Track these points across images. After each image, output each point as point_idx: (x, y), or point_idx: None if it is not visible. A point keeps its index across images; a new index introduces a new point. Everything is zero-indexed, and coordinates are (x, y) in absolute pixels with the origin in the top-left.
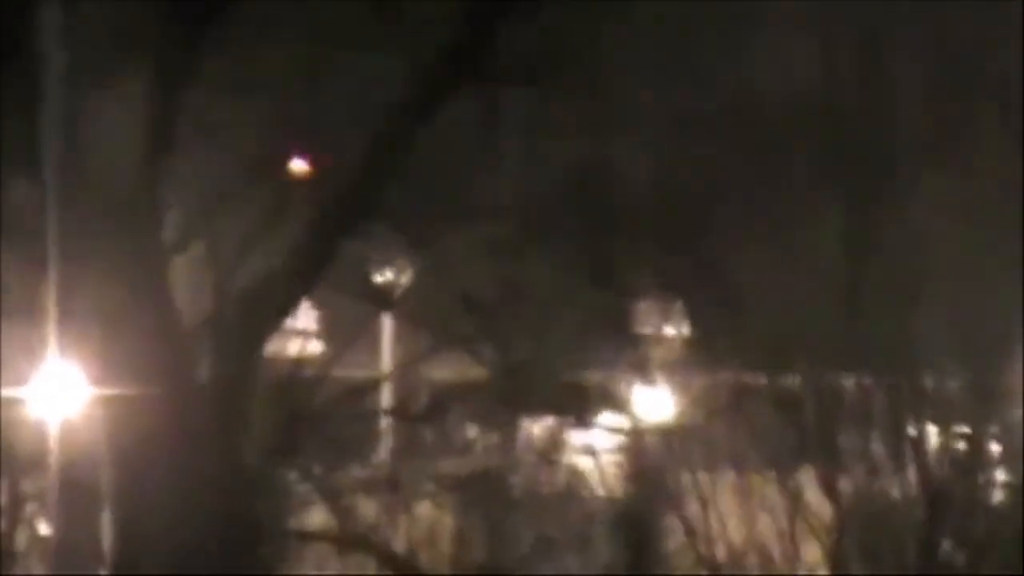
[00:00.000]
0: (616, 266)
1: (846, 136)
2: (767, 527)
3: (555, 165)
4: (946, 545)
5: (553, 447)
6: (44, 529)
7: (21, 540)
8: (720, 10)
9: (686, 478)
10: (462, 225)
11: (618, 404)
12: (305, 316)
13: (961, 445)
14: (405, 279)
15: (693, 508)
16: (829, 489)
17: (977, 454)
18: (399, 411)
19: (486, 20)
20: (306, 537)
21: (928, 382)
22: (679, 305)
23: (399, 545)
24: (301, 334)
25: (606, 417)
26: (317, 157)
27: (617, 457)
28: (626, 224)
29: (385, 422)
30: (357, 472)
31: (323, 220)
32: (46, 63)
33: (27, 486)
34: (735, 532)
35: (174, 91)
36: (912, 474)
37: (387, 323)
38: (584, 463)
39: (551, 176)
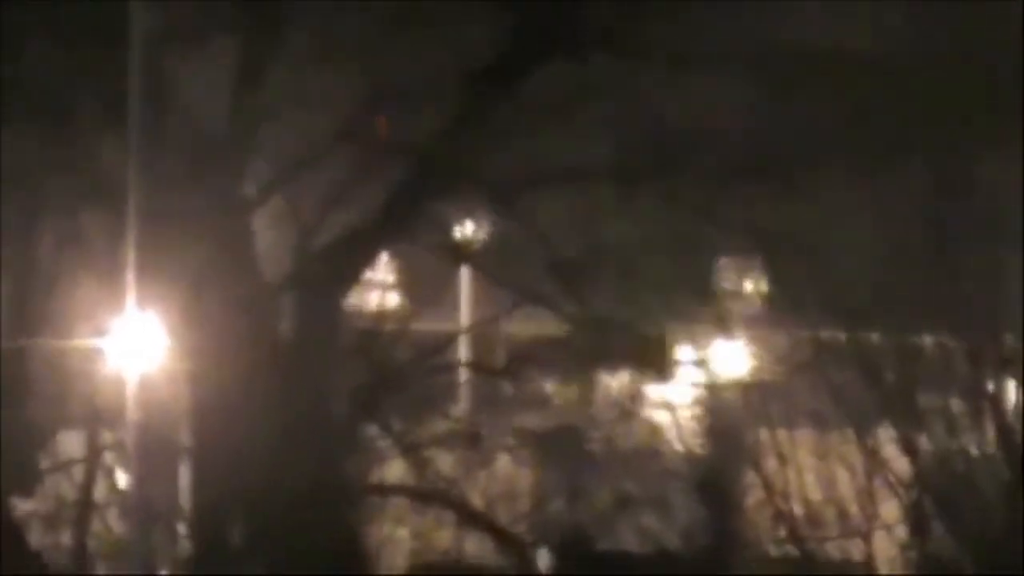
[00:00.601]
0: (698, 222)
1: (931, 90)
2: (846, 485)
3: (639, 125)
4: None
5: (632, 402)
6: (123, 481)
7: (100, 492)
8: None
9: (764, 435)
10: (544, 183)
11: (697, 360)
12: (385, 269)
13: None
14: (485, 234)
15: (771, 465)
16: (908, 448)
17: None
18: (478, 366)
19: None
20: (386, 491)
21: (1008, 341)
22: (759, 261)
23: (477, 500)
24: (381, 287)
25: (685, 373)
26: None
27: (696, 413)
28: (710, 181)
29: (464, 377)
30: (436, 427)
31: (406, 180)
32: (135, 23)
33: (106, 438)
34: (813, 490)
35: (262, 52)
36: (991, 433)
37: (466, 278)
38: (663, 419)
39: (635, 135)
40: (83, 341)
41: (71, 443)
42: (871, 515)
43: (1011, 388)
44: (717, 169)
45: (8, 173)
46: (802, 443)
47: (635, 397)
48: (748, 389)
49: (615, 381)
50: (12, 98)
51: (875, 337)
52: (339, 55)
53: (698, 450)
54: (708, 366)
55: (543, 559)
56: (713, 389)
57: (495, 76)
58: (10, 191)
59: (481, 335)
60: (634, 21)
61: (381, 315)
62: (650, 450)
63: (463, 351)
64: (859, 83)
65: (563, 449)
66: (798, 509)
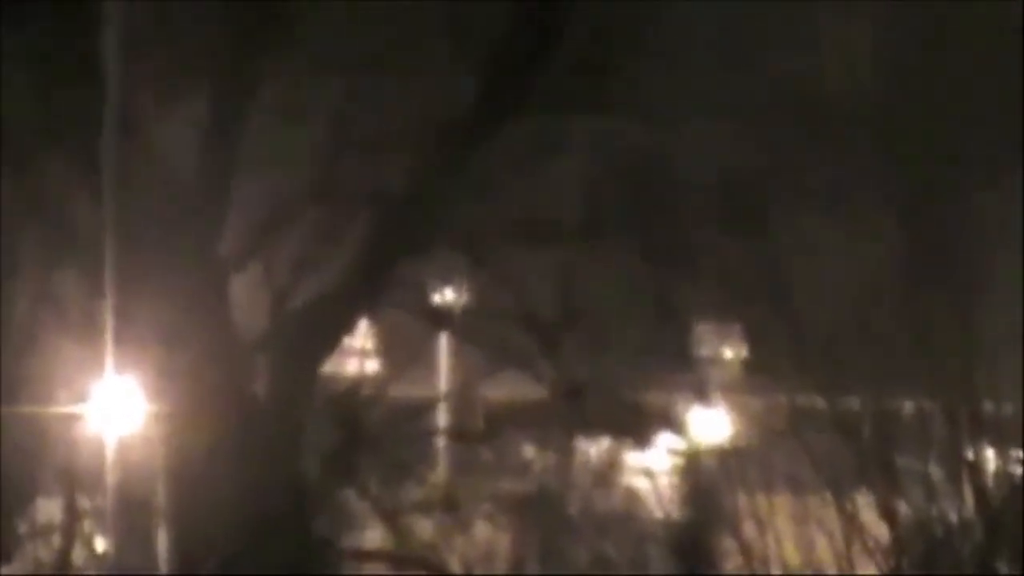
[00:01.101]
0: (675, 287)
1: (906, 141)
2: (824, 550)
3: (613, 182)
4: (1004, 570)
5: (610, 468)
6: (101, 546)
7: (79, 557)
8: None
9: (743, 500)
10: (521, 245)
11: (676, 425)
12: (362, 334)
13: (1019, 470)
14: (463, 298)
15: (750, 530)
16: (887, 512)
17: None
18: (456, 431)
19: (543, 45)
20: (363, 556)
21: (986, 407)
22: (738, 327)
23: (456, 565)
24: (359, 352)
25: (664, 438)
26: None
27: (674, 478)
28: (686, 243)
29: (442, 441)
30: (414, 491)
31: (381, 240)
32: (109, 77)
33: (84, 503)
34: (792, 554)
35: (235, 111)
36: (970, 498)
37: (445, 342)
38: (641, 484)
39: (610, 193)
40: (60, 406)
41: (49, 508)
42: None
43: (989, 452)
44: (692, 219)
45: None
46: (780, 508)
47: (613, 462)
48: (726, 454)
49: (593, 446)
50: None
51: (853, 401)
52: (309, 109)
53: (676, 515)
54: (686, 432)
55: None
56: (691, 454)
57: (466, 131)
58: None
59: (460, 400)
60: (603, 75)
61: (359, 380)
62: (628, 515)
63: (441, 416)
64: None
65: (541, 513)
66: (776, 573)
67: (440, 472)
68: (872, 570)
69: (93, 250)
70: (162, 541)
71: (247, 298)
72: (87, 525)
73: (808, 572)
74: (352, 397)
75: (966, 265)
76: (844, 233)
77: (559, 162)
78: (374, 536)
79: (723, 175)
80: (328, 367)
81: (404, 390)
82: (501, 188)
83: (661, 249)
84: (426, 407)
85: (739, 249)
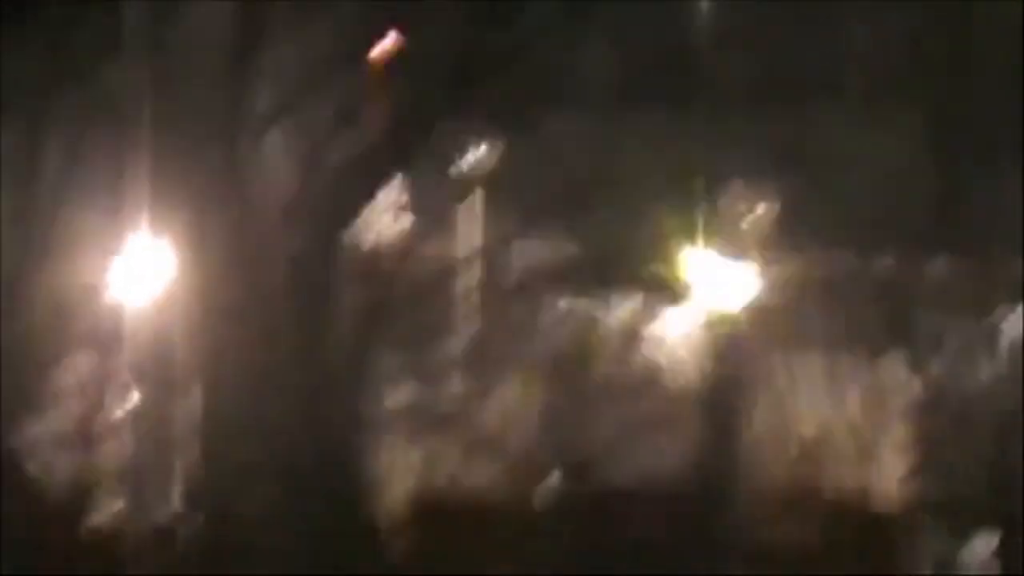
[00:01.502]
0: (709, 143)
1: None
2: (856, 408)
3: (648, 46)
4: None
5: (642, 326)
6: (132, 404)
7: (110, 415)
8: None
9: (774, 358)
10: (554, 103)
11: (708, 284)
12: (396, 192)
13: None
14: (496, 158)
15: (781, 389)
16: (918, 371)
17: None
18: (488, 289)
19: None
20: (393, 416)
21: (1018, 263)
22: (770, 184)
23: (485, 425)
24: (392, 210)
25: (695, 297)
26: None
27: (706, 337)
28: (718, 103)
29: (474, 300)
30: (444, 351)
31: (416, 99)
32: None
33: (116, 361)
34: (823, 413)
35: None
36: (1002, 355)
37: (478, 200)
38: (673, 343)
39: (644, 57)
40: (93, 264)
41: (81, 366)
42: (880, 439)
43: (1020, 310)
44: (728, 90)
45: (10, 89)
46: (812, 366)
47: (644, 321)
48: (758, 312)
49: (625, 304)
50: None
51: (885, 259)
52: None
53: (707, 374)
54: (718, 290)
55: (551, 484)
56: (722, 313)
57: None
58: (13, 108)
59: (491, 258)
60: None
61: (391, 239)
62: (659, 373)
63: (473, 274)
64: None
65: (573, 373)
66: (808, 432)
67: (471, 331)
68: (904, 428)
69: (125, 111)
70: (193, 398)
71: (279, 159)
72: (119, 381)
73: (837, 429)
74: (384, 257)
75: (999, 125)
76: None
77: (595, 23)
78: (406, 395)
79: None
80: (360, 226)
81: (436, 248)
82: (536, 50)
83: (695, 115)
84: (458, 265)
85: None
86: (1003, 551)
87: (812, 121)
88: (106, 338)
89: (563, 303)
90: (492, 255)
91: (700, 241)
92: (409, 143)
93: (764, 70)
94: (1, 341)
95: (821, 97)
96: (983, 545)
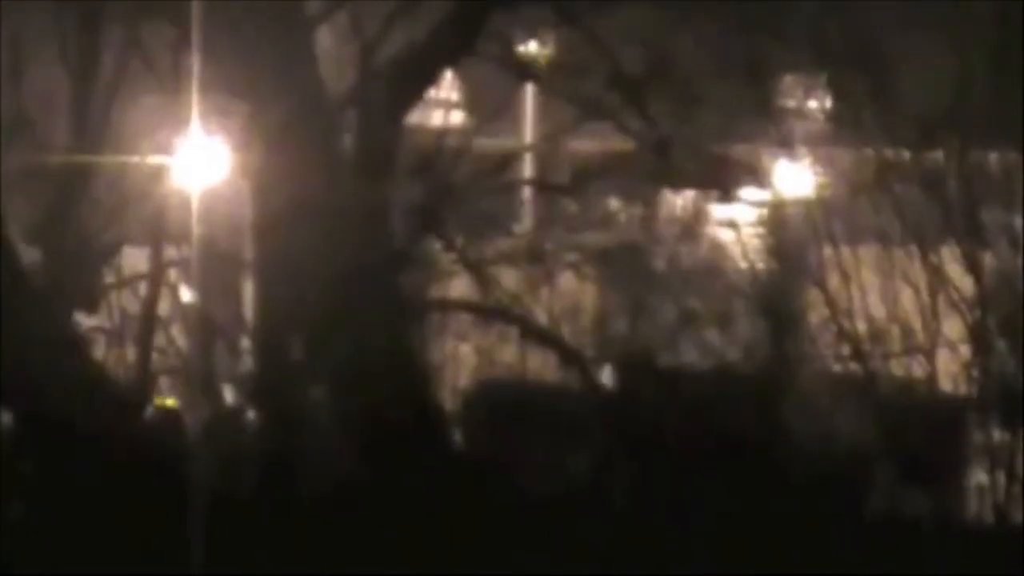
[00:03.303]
0: (763, 40)
1: None
2: (909, 303)
3: None
4: None
5: (696, 221)
6: (187, 297)
7: (164, 307)
8: None
9: (828, 253)
10: (608, 2)
11: (761, 178)
12: (448, 86)
13: None
14: (549, 51)
15: (835, 283)
16: (972, 265)
17: None
18: (541, 183)
19: None
20: (449, 307)
21: None
22: (824, 78)
23: (541, 316)
24: (444, 104)
25: (749, 191)
26: None
27: (760, 231)
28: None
29: (528, 193)
30: (499, 243)
31: None
32: None
33: (170, 253)
34: (877, 307)
35: None
36: None
37: (531, 94)
38: (727, 237)
39: None
40: (146, 157)
41: (135, 259)
42: (934, 333)
43: None
44: None
45: None
46: (865, 261)
47: (699, 215)
48: (811, 206)
49: (679, 199)
50: None
51: (939, 154)
52: None
53: (761, 268)
54: (772, 184)
55: (606, 374)
56: (776, 207)
57: None
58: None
59: (544, 152)
60: None
61: (444, 132)
62: (713, 268)
63: (526, 168)
64: None
65: (626, 266)
66: (861, 327)
67: (526, 224)
68: (958, 323)
69: (181, 2)
70: (248, 293)
71: (334, 51)
72: (173, 276)
73: (893, 324)
74: (438, 150)
75: None
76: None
77: None
78: (460, 287)
79: None
80: (414, 119)
81: (490, 142)
82: None
83: (747, 9)
84: (512, 159)
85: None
86: None
87: (866, 18)
88: (162, 230)
89: (617, 197)
90: (544, 150)
91: (753, 134)
92: (462, 38)
93: None
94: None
95: None
96: None
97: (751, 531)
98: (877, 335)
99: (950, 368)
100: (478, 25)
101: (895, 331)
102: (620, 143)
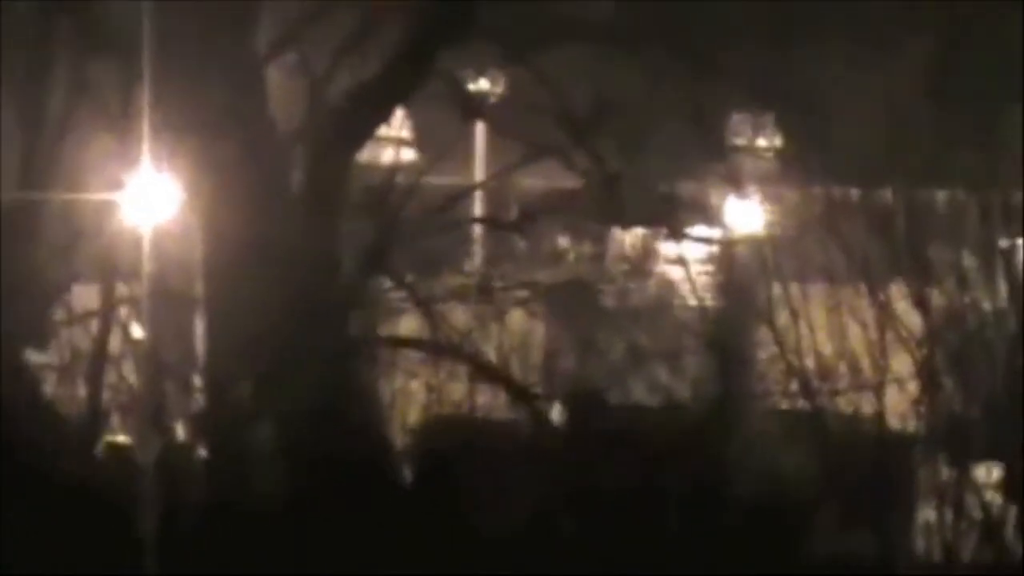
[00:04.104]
0: (710, 77)
1: None
2: (857, 340)
3: None
4: None
5: (645, 258)
6: (137, 334)
7: (114, 344)
8: None
9: (776, 290)
10: (556, 40)
11: (710, 215)
12: (398, 124)
13: None
14: (499, 88)
15: (783, 320)
16: (920, 302)
17: None
18: (491, 220)
19: None
20: (398, 344)
21: (1019, 194)
22: (771, 116)
23: (490, 353)
24: (395, 142)
25: (698, 228)
26: None
27: (708, 268)
28: (720, 35)
29: (477, 231)
30: (449, 280)
31: (419, 30)
32: None
33: (121, 291)
34: (825, 344)
35: None
36: (1003, 288)
37: (480, 132)
38: (675, 274)
39: None
40: (96, 195)
41: (86, 296)
42: (882, 370)
43: (1021, 242)
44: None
45: (15, 17)
46: (814, 298)
47: (647, 253)
48: (760, 244)
49: (628, 237)
50: None
51: (887, 192)
52: None
53: (710, 305)
54: (720, 222)
55: (555, 412)
56: (726, 245)
57: None
58: (18, 35)
59: (494, 189)
60: None
61: (394, 170)
62: (662, 305)
63: (476, 205)
64: None
65: (576, 304)
66: (809, 363)
67: (475, 261)
68: (905, 360)
69: (130, 40)
70: (197, 330)
71: (284, 88)
72: (123, 313)
73: (841, 361)
74: (388, 187)
75: (1001, 61)
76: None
77: None
78: (410, 324)
79: None
80: (364, 156)
81: (439, 180)
82: None
83: (695, 49)
84: (461, 196)
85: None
86: (1006, 480)
87: (814, 56)
88: (112, 267)
89: (566, 235)
90: (494, 187)
91: (701, 172)
92: (411, 75)
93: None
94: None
95: (823, 32)
96: (984, 475)
97: (699, 569)
98: (825, 372)
99: (898, 405)
100: (427, 62)
101: (843, 368)
102: (569, 181)
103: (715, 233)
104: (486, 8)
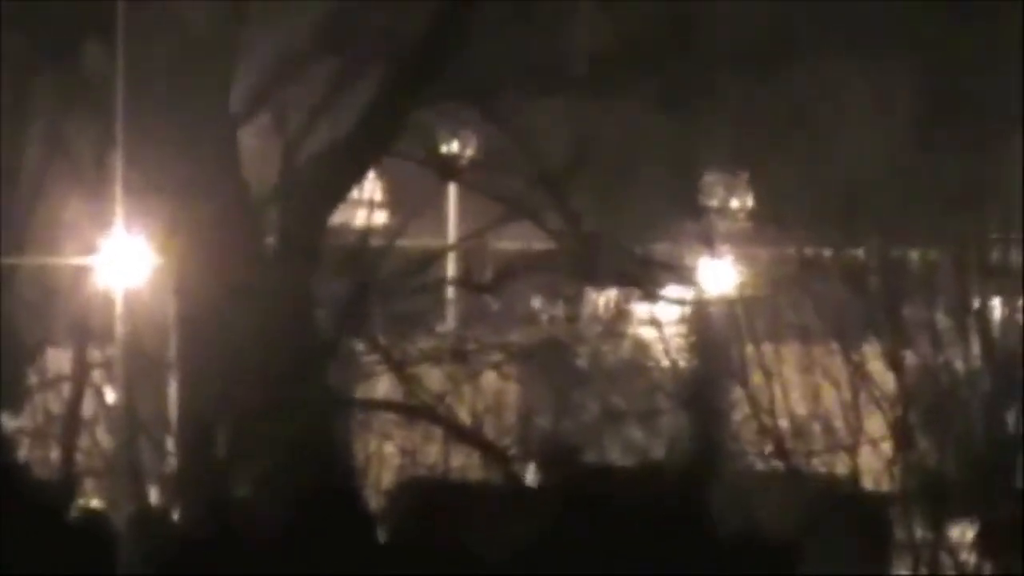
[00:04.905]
0: (684, 134)
1: None
2: (831, 399)
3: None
4: (1010, 417)
5: (619, 318)
6: (110, 397)
7: (88, 407)
8: None
9: (750, 350)
10: (529, 95)
11: (684, 276)
12: (371, 186)
13: None
14: (471, 149)
15: (757, 380)
16: (894, 361)
17: None
18: (465, 281)
19: None
20: (372, 406)
21: (993, 254)
22: (744, 178)
23: (464, 415)
24: (367, 204)
25: (672, 289)
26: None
27: (682, 329)
28: (694, 91)
29: (451, 292)
30: (423, 342)
31: (391, 90)
32: None
33: (94, 354)
34: (799, 404)
35: None
36: (976, 346)
37: (453, 193)
38: (649, 335)
39: (620, 42)
40: (70, 258)
41: (59, 360)
42: (856, 429)
43: (996, 301)
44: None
45: None
46: (788, 358)
47: (621, 313)
48: (733, 304)
49: (602, 297)
50: None
51: (860, 252)
52: None
53: (684, 365)
54: (694, 282)
55: (530, 473)
56: (699, 305)
57: None
58: None
59: (468, 250)
60: None
61: (367, 232)
62: (637, 365)
63: (450, 267)
64: None
65: (550, 364)
66: (784, 423)
67: (449, 323)
68: (879, 419)
69: (104, 101)
70: (173, 393)
71: (257, 149)
72: (97, 376)
73: (815, 421)
74: (361, 249)
75: (977, 116)
76: (856, 85)
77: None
78: (383, 386)
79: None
80: (337, 219)
81: (412, 241)
82: (510, 37)
83: (671, 93)
84: (434, 258)
85: (750, 93)
86: (980, 539)
87: (788, 115)
88: (85, 330)
89: (539, 296)
90: (467, 248)
91: (675, 233)
92: (384, 135)
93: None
94: None
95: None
96: (960, 533)
97: None
98: (800, 432)
99: (873, 464)
100: (399, 122)
101: (817, 428)
102: (543, 242)
103: (689, 293)
104: (459, 65)
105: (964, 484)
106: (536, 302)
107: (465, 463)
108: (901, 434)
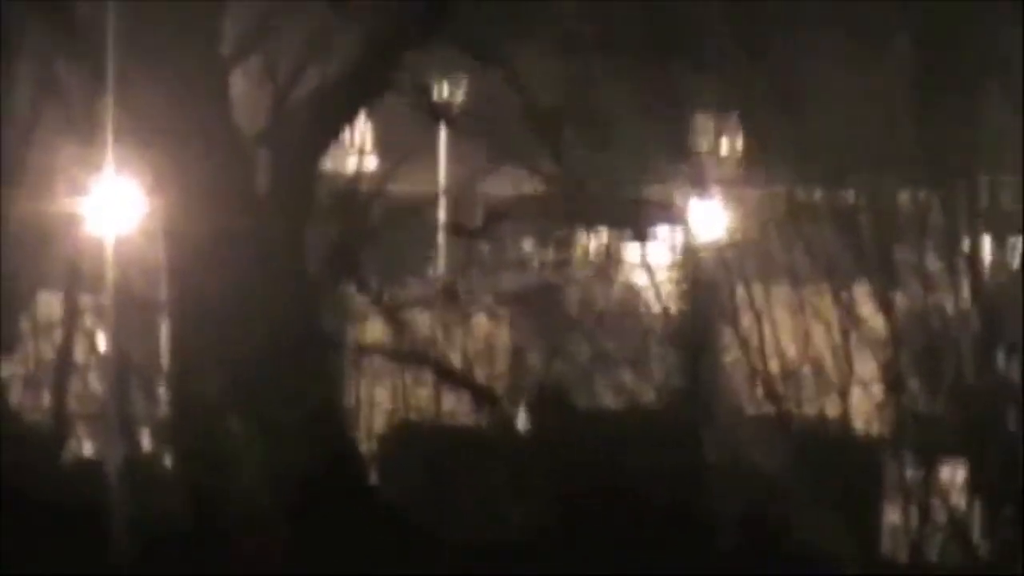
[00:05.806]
0: (675, 79)
1: None
2: (821, 341)
3: None
4: (1001, 358)
5: (609, 262)
6: (102, 342)
7: (79, 352)
8: None
9: (741, 293)
10: (521, 40)
11: (674, 219)
12: (362, 130)
13: (1016, 257)
14: (462, 94)
15: (748, 322)
16: (884, 303)
17: None
18: (456, 226)
19: None
20: (363, 351)
21: (984, 194)
22: (735, 118)
23: (455, 359)
24: (358, 149)
25: (662, 232)
26: None
27: (673, 271)
28: (686, 35)
29: (442, 237)
30: (414, 286)
31: (383, 33)
32: None
33: (85, 298)
34: (789, 346)
35: None
36: (967, 290)
37: (444, 137)
38: (640, 278)
39: None
40: (61, 200)
41: (50, 305)
42: (847, 372)
43: (986, 242)
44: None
45: None
46: (778, 299)
47: (612, 256)
48: (724, 247)
49: (592, 241)
50: None
51: (851, 194)
52: None
53: (675, 309)
54: (685, 225)
55: (521, 416)
56: (689, 248)
57: None
58: None
59: (458, 195)
60: None
61: (358, 176)
62: (627, 309)
63: (440, 211)
64: None
65: (541, 308)
66: (774, 367)
67: (440, 267)
68: (869, 361)
69: (94, 44)
70: (164, 337)
71: (248, 92)
72: (88, 321)
73: (806, 363)
74: (352, 193)
75: (970, 60)
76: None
77: None
78: (375, 331)
79: None
80: (328, 164)
81: (403, 186)
82: None
83: (663, 43)
84: (425, 203)
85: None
86: (970, 480)
87: (779, 57)
88: (76, 274)
89: (530, 240)
90: (458, 193)
91: (666, 175)
92: (374, 77)
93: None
94: None
95: (794, 31)
96: (950, 474)
97: (666, 569)
98: (790, 375)
99: (863, 407)
100: (393, 64)
101: (808, 370)
102: (533, 186)
103: (679, 236)
104: (452, 9)
105: (954, 426)
106: (527, 246)
107: (456, 407)
108: (891, 376)
